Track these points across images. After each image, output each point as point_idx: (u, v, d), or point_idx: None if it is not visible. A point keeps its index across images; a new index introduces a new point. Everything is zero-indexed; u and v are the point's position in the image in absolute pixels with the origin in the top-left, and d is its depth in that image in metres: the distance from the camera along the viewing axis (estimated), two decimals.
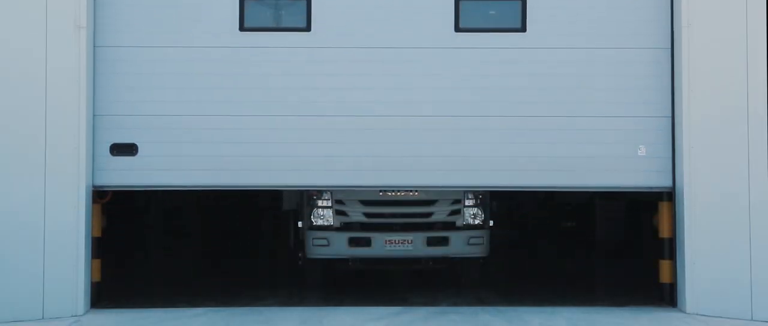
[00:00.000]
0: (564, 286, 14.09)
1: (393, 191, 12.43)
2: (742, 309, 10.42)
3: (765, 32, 10.56)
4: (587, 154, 11.01)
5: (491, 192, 13.18)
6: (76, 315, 10.27)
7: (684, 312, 10.56)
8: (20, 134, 10.34)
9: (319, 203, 12.51)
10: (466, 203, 12.61)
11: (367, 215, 12.53)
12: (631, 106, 11.03)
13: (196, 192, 26.21)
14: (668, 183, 10.97)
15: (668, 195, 11.04)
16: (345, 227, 12.51)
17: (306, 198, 12.70)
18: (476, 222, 12.63)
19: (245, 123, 10.92)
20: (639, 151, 10.99)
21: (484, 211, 12.70)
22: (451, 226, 12.58)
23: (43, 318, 10.21)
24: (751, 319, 10.39)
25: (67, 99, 10.40)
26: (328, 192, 12.47)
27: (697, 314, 10.46)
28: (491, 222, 12.87)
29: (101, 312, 10.57)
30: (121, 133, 10.84)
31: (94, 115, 10.75)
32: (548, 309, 10.92)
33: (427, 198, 12.56)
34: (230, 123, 10.90)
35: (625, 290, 13.66)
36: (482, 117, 11.00)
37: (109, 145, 10.81)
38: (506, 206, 23.15)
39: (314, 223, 12.51)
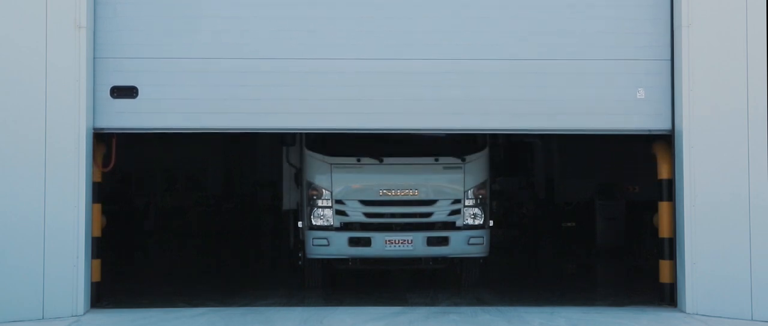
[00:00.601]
0: (564, 286, 14.10)
1: (393, 191, 12.43)
2: (742, 309, 10.41)
3: None
4: (586, 97, 10.91)
5: (491, 190, 13.19)
6: (75, 315, 10.26)
7: (684, 312, 10.54)
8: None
9: (319, 203, 12.50)
10: (466, 203, 12.60)
11: (367, 215, 12.51)
12: (629, 49, 10.93)
13: (196, 191, 26.45)
14: (667, 126, 10.91)
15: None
16: (345, 227, 12.48)
17: (306, 197, 12.69)
18: (476, 222, 12.61)
19: (245, 65, 10.81)
20: (638, 94, 10.92)
21: (484, 211, 12.70)
22: (451, 226, 12.55)
23: (43, 318, 10.19)
24: (751, 319, 10.38)
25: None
26: (329, 192, 12.47)
27: (697, 314, 10.44)
28: (491, 223, 12.87)
29: (101, 312, 10.56)
30: (122, 76, 10.73)
31: (94, 58, 10.66)
32: (548, 309, 10.91)
33: (427, 198, 12.55)
34: (231, 65, 10.80)
35: (625, 290, 13.68)
36: (481, 60, 10.91)
37: (110, 87, 10.72)
38: (506, 206, 23.21)
39: (314, 223, 12.49)
